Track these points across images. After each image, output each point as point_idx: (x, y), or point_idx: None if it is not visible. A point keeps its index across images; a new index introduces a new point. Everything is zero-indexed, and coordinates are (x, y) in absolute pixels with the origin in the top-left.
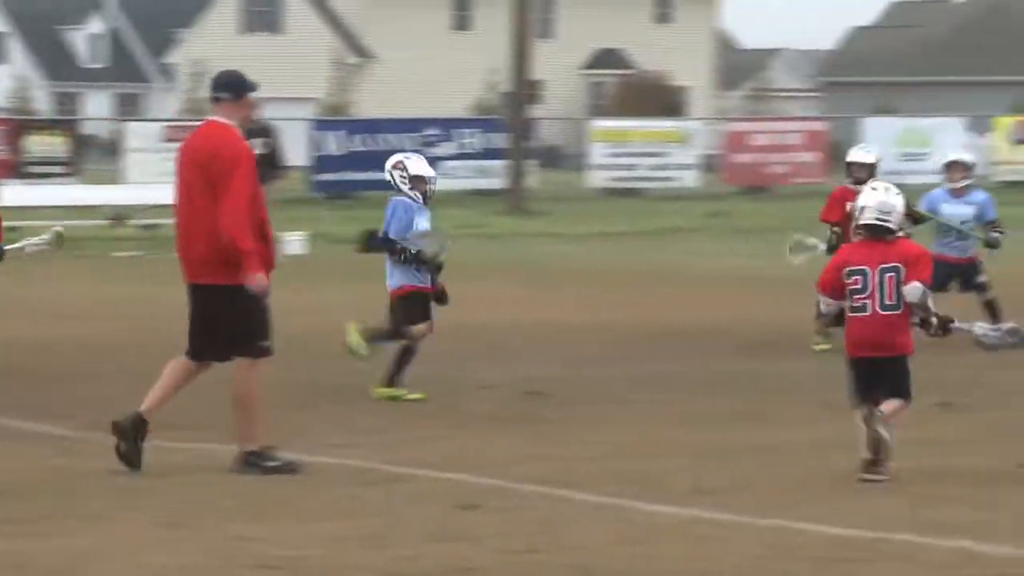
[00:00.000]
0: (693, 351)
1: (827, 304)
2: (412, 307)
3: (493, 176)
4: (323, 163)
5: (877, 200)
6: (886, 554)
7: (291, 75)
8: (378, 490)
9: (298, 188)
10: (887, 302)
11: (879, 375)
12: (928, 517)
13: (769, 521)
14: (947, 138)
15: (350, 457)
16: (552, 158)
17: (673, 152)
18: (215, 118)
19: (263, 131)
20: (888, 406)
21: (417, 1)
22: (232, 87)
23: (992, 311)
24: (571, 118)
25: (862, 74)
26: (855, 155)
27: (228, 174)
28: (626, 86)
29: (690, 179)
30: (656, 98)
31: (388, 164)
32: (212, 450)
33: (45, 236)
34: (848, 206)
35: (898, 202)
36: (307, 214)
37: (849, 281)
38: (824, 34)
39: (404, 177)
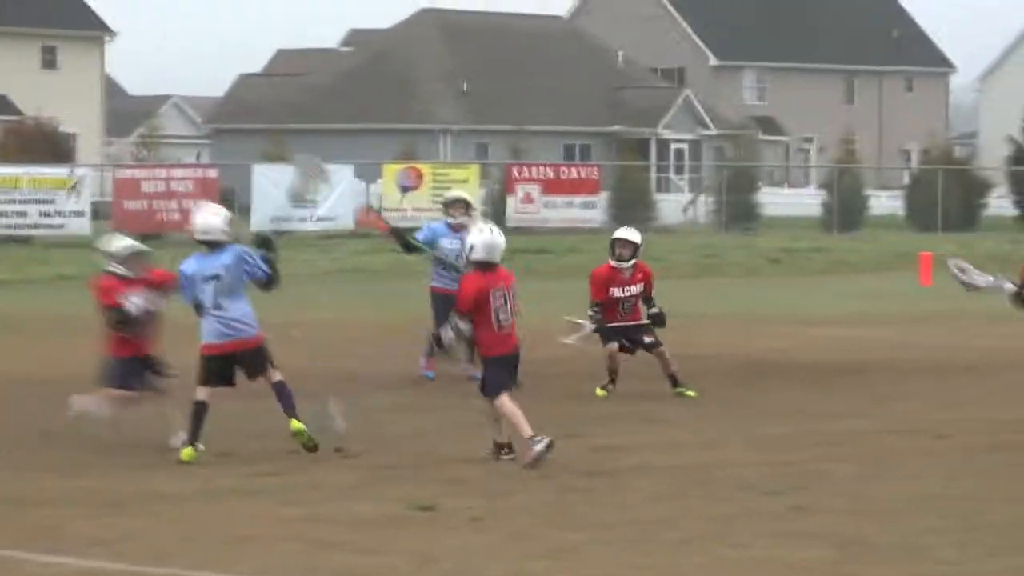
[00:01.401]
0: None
1: (464, 327)
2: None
3: None
4: None
5: (484, 240)
6: None
7: None
8: None
9: None
10: (512, 315)
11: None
12: (322, 563)
13: (165, 570)
14: (338, 184)
15: None
16: None
17: (62, 199)
18: None
19: None
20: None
21: None
22: None
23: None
24: None
25: (251, 121)
26: (622, 233)
27: None
28: (14, 132)
29: (81, 226)
30: (44, 144)
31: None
32: None
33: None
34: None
35: (502, 240)
36: None
37: (495, 301)
38: (213, 81)
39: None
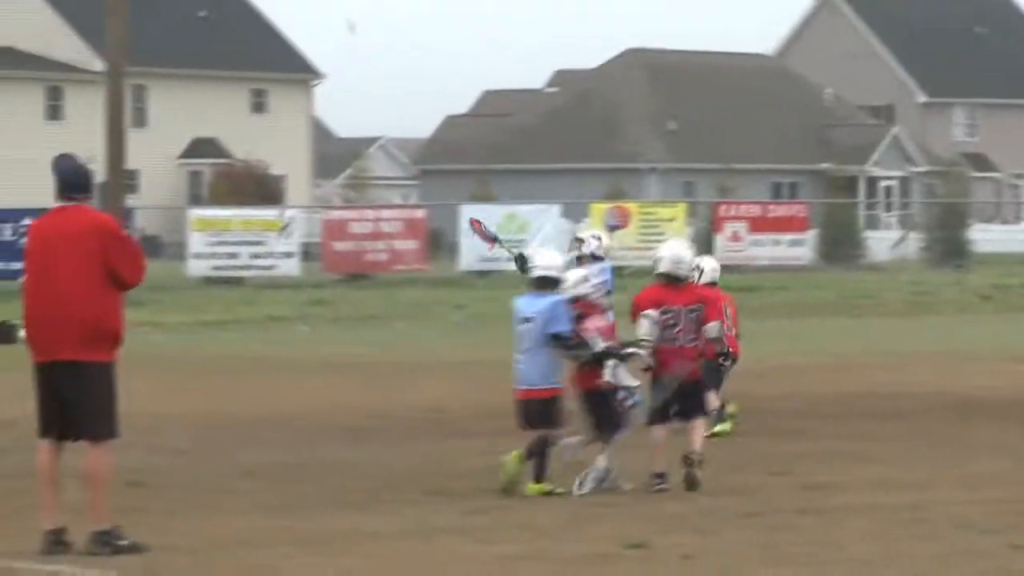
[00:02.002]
0: (293, 438)
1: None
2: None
3: None
4: None
5: (669, 253)
6: None
7: None
8: None
9: None
10: (690, 336)
11: (679, 395)
12: None
13: None
14: (545, 224)
15: None
16: (151, 247)
17: (273, 240)
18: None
19: None
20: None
21: (7, 91)
22: (80, 187)
23: None
24: (169, 207)
25: (458, 162)
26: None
27: (124, 246)
28: (224, 175)
29: (291, 267)
30: (254, 187)
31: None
32: None
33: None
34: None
35: (687, 255)
36: None
37: (664, 317)
38: (419, 123)
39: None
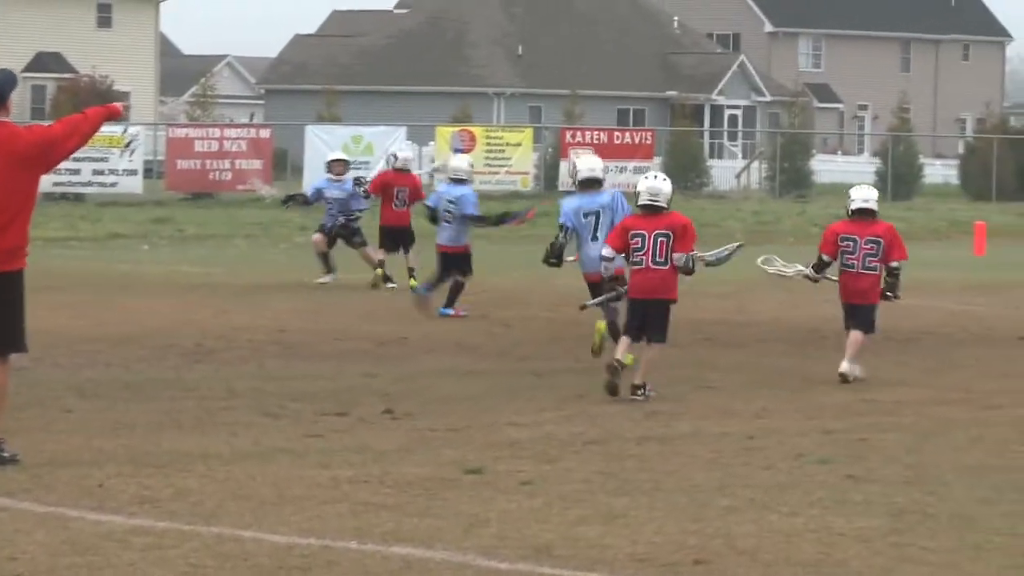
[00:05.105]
0: (132, 358)
1: (610, 254)
2: None
3: None
4: None
5: (648, 186)
6: (330, 562)
7: None
8: None
9: None
10: (658, 259)
11: (646, 316)
12: (371, 525)
13: (213, 529)
14: (390, 146)
15: None
16: None
17: (116, 157)
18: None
19: None
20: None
21: None
22: None
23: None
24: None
25: (304, 82)
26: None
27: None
28: (68, 90)
29: (133, 185)
30: (97, 102)
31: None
32: None
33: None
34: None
35: (665, 187)
36: None
37: (632, 242)
38: (267, 41)
39: None
